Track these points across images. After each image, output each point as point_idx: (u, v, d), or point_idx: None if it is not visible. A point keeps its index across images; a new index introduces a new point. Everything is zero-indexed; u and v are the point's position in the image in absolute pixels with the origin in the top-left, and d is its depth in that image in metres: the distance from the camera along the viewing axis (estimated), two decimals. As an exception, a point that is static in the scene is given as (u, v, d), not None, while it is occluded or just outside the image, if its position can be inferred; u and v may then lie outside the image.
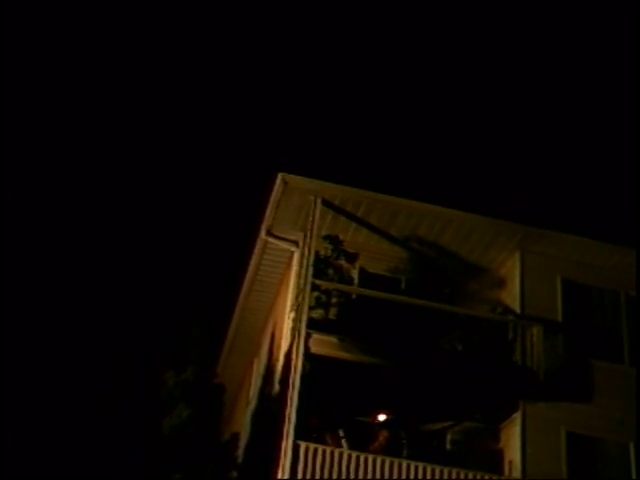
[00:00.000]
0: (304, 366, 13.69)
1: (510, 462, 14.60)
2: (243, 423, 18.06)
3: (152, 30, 40.77)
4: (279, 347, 15.79)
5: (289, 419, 13.28)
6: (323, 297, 14.46)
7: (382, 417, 14.37)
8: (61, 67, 38.87)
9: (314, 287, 14.40)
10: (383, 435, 14.16)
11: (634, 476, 14.59)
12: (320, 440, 13.70)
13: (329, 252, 15.06)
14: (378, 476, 13.22)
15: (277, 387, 15.03)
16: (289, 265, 16.51)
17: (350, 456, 13.29)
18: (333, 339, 14.08)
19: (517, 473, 14.22)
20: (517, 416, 14.73)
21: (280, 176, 15.30)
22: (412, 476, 13.30)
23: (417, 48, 42.80)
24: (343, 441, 13.92)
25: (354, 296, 14.92)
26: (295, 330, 14.23)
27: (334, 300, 14.59)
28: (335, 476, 13.09)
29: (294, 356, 13.84)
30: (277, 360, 15.69)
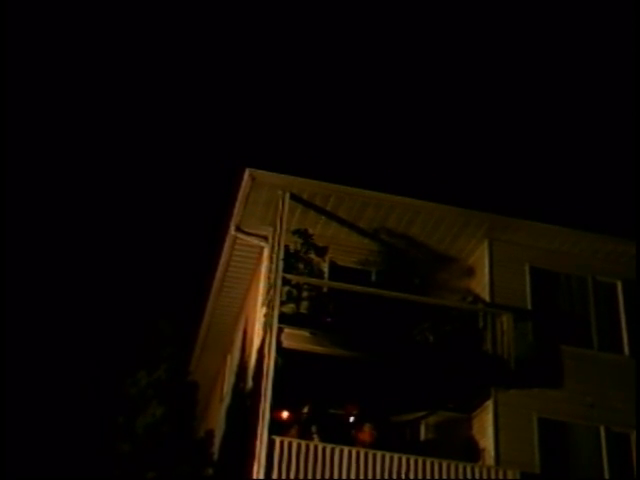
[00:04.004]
0: (277, 361, 13.70)
1: (483, 450, 14.73)
2: (218, 420, 18.06)
3: (114, 20, 40.47)
4: (251, 343, 15.79)
5: (263, 414, 13.29)
6: (294, 291, 14.48)
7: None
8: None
9: (285, 281, 14.41)
10: (369, 430, 14.16)
11: (605, 459, 14.80)
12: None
13: (299, 246, 15.07)
14: (353, 468, 13.27)
15: (250, 382, 15.04)
16: (259, 260, 16.51)
17: (325, 449, 13.32)
18: (305, 333, 14.11)
19: (490, 460, 14.36)
20: (489, 404, 14.86)
21: (248, 172, 15.28)
22: (387, 467, 13.37)
23: (383, 38, 42.89)
24: (315, 436, 13.92)
25: (325, 289, 14.96)
26: (267, 325, 14.24)
27: (305, 294, 14.61)
28: (311, 469, 13.13)
29: (266, 351, 13.85)
30: (250, 355, 15.69)
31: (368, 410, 14.49)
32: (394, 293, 14.80)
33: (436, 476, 13.46)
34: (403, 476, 13.30)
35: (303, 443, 13.31)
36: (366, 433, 14.12)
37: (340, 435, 14.00)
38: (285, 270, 14.52)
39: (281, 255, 14.62)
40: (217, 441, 16.45)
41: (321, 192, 15.59)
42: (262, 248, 16.23)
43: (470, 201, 16.50)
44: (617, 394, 15.20)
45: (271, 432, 13.16)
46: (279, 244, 14.77)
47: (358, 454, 13.39)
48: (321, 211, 15.81)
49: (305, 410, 14.21)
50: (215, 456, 15.73)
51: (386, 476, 13.29)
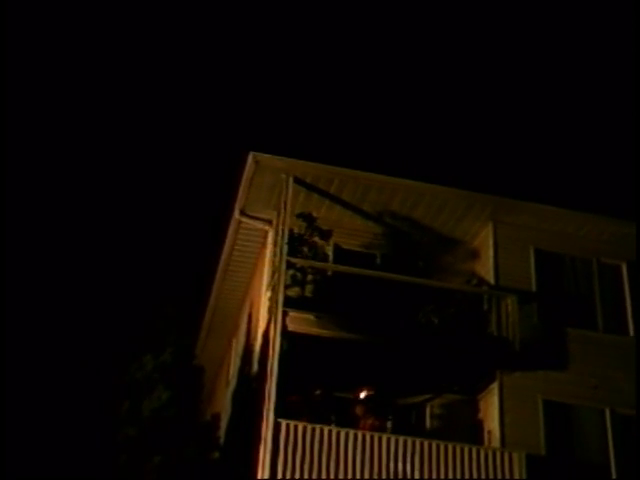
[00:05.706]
0: (282, 344, 13.71)
1: (489, 432, 14.75)
2: (224, 403, 18.11)
3: (116, 7, 40.33)
4: (257, 326, 15.81)
5: (269, 398, 13.31)
6: (299, 275, 14.48)
7: (363, 394, 14.40)
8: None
9: (289, 265, 14.40)
10: (360, 410, 14.19)
11: (610, 441, 14.81)
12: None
13: (303, 230, 15.06)
14: (359, 451, 13.30)
15: (256, 366, 15.06)
16: (264, 244, 16.51)
17: (331, 432, 13.35)
18: (310, 316, 14.10)
19: (496, 442, 14.37)
20: (494, 386, 14.86)
21: (251, 155, 15.25)
22: (393, 450, 13.39)
23: (385, 22, 42.71)
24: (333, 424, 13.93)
25: (329, 273, 14.95)
26: (272, 309, 14.25)
27: (310, 277, 14.60)
28: (317, 452, 13.16)
29: (272, 335, 13.86)
30: (255, 339, 15.71)
31: (376, 393, 14.48)
32: (398, 276, 14.79)
33: (442, 459, 13.49)
34: (409, 459, 13.33)
35: (309, 426, 13.32)
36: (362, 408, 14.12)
37: (346, 417, 14.03)
38: (289, 254, 14.52)
39: (285, 239, 14.61)
40: (223, 425, 16.50)
41: (325, 175, 15.55)
42: (266, 232, 16.23)
43: (474, 183, 16.48)
44: (622, 376, 15.19)
45: (277, 415, 13.19)
46: (283, 227, 14.76)
47: (364, 437, 13.42)
48: (325, 194, 15.78)
49: (317, 393, 14.22)
50: (221, 440, 15.78)
51: (392, 459, 13.32)
